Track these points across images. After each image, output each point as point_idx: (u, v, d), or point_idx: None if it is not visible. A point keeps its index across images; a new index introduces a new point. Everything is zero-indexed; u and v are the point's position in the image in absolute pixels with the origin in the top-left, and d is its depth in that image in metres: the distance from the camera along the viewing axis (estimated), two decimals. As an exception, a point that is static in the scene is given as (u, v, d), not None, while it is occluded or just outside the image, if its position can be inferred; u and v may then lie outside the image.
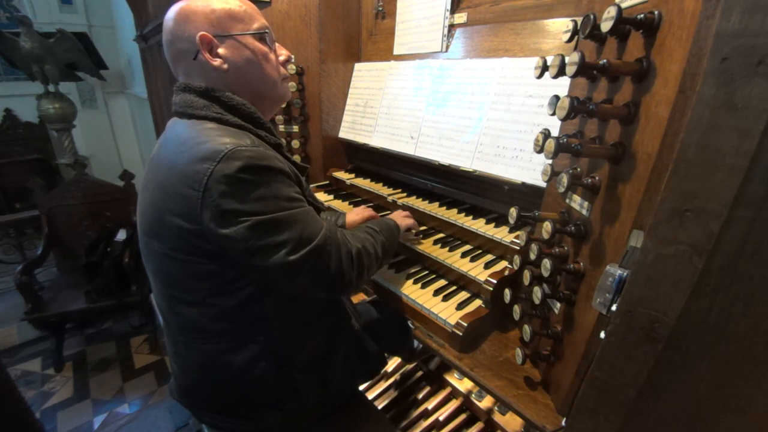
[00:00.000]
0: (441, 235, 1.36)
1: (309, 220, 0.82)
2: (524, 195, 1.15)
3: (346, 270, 0.87)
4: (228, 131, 0.80)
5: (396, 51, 1.64)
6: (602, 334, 0.65)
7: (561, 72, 0.68)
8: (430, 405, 1.63)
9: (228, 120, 0.84)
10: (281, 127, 1.82)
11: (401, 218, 1.24)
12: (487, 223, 1.25)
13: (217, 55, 0.86)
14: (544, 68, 0.74)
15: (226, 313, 0.85)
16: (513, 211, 0.89)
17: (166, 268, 0.86)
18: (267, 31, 0.92)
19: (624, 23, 0.62)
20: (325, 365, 1.00)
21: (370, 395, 1.77)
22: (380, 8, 1.74)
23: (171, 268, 0.85)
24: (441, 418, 1.57)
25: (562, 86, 0.93)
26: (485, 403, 1.56)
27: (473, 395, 1.60)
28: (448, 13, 1.42)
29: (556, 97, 0.71)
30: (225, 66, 0.87)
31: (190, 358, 0.94)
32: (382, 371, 1.79)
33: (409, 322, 1.17)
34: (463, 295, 1.18)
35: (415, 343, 1.53)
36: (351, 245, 0.91)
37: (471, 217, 1.30)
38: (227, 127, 0.83)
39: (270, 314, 0.88)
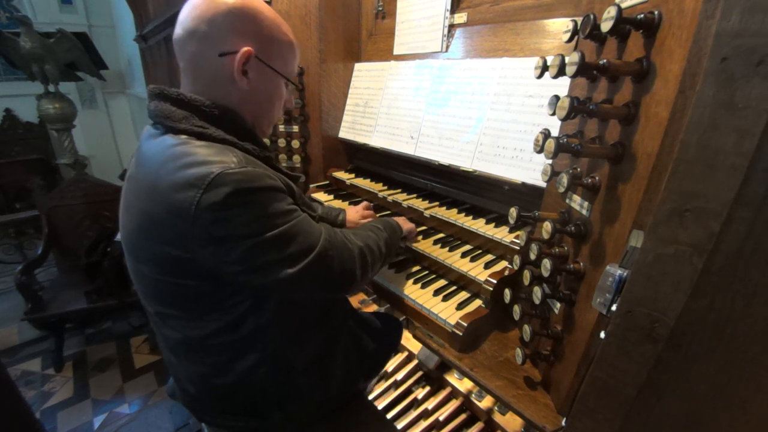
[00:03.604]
0: (441, 235, 1.36)
1: (307, 229, 0.79)
2: (524, 195, 1.15)
3: (349, 270, 0.86)
4: (210, 148, 0.73)
5: (396, 51, 1.64)
6: (602, 334, 0.65)
7: (561, 72, 0.68)
8: (430, 405, 1.63)
9: (210, 134, 0.76)
10: (281, 127, 1.82)
11: (403, 221, 1.25)
12: (487, 223, 1.25)
13: (246, 74, 0.80)
14: (544, 68, 0.73)
15: (224, 328, 0.83)
16: (513, 211, 0.89)
17: (159, 291, 0.82)
18: (296, 83, 0.91)
19: (624, 23, 0.62)
20: (325, 366, 1.00)
21: (370, 395, 1.77)
22: (380, 8, 1.74)
23: (163, 291, 0.81)
24: (441, 418, 1.57)
25: (562, 86, 0.93)
26: (485, 403, 1.56)
27: (473, 395, 1.60)
28: (448, 13, 1.42)
29: (556, 97, 0.71)
30: (246, 88, 0.82)
31: (188, 369, 0.93)
32: (382, 371, 1.79)
33: (402, 319, 1.17)
34: (463, 295, 1.17)
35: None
36: (352, 245, 0.89)
37: (471, 217, 1.30)
38: (210, 142, 0.75)
39: (267, 324, 0.86)
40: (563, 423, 0.81)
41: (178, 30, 0.80)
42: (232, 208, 0.69)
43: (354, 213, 1.34)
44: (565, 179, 0.71)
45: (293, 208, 0.79)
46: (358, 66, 1.81)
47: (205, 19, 0.77)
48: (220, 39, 0.78)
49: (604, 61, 0.64)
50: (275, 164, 0.86)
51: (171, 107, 0.78)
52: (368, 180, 1.73)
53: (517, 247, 1.06)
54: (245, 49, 0.78)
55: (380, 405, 1.69)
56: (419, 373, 1.83)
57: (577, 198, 0.81)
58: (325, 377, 1.01)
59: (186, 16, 0.79)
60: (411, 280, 1.24)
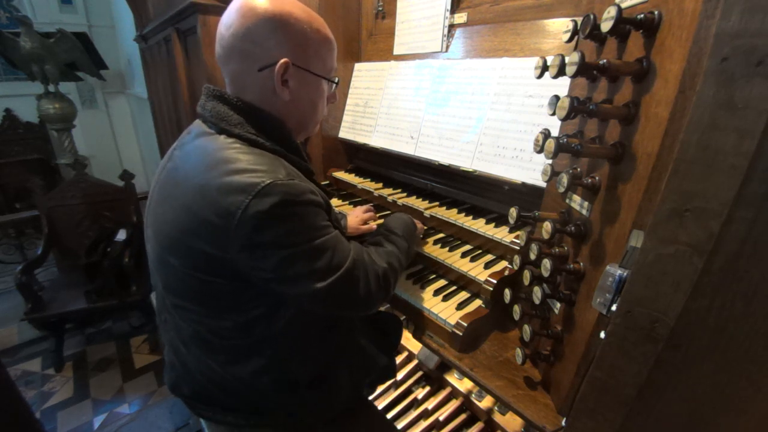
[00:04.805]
0: (441, 235, 1.36)
1: (337, 246, 0.80)
2: (524, 195, 1.15)
3: (373, 292, 0.86)
4: (262, 157, 0.76)
5: (396, 51, 1.64)
6: (602, 334, 0.65)
7: (561, 72, 0.68)
8: (430, 405, 1.63)
9: (262, 143, 0.79)
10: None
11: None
12: (487, 223, 1.25)
13: (286, 84, 0.82)
14: (544, 68, 0.73)
15: (235, 329, 0.84)
16: (513, 211, 0.89)
17: (183, 284, 0.82)
18: (338, 80, 0.92)
19: (624, 23, 0.62)
20: (329, 380, 1.00)
21: (370, 395, 1.76)
22: (380, 8, 1.74)
23: (187, 284, 0.82)
24: (441, 418, 1.57)
25: (562, 86, 0.93)
26: (485, 403, 1.56)
27: (473, 395, 1.60)
28: (448, 13, 1.42)
29: (556, 97, 0.71)
30: (288, 98, 0.83)
31: (193, 364, 0.93)
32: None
33: (402, 319, 1.17)
34: (463, 295, 1.18)
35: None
36: (378, 266, 0.90)
37: (471, 217, 1.30)
38: (261, 151, 0.79)
39: (277, 331, 0.87)
40: (563, 423, 0.81)
41: (218, 48, 0.82)
42: (276, 217, 0.71)
43: (354, 218, 1.33)
44: (565, 179, 0.71)
45: (328, 224, 0.81)
46: (358, 66, 1.81)
47: (239, 35, 0.78)
48: (257, 54, 0.79)
49: (604, 61, 0.64)
50: (314, 178, 0.89)
51: (228, 110, 0.81)
52: (368, 180, 1.73)
53: (517, 247, 1.06)
54: (282, 60, 0.79)
55: (380, 405, 1.69)
56: (419, 373, 1.83)
57: (577, 198, 0.81)
58: (330, 391, 1.00)
59: (223, 34, 0.80)
60: (411, 280, 1.24)
